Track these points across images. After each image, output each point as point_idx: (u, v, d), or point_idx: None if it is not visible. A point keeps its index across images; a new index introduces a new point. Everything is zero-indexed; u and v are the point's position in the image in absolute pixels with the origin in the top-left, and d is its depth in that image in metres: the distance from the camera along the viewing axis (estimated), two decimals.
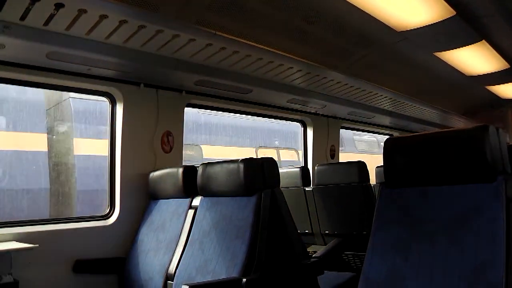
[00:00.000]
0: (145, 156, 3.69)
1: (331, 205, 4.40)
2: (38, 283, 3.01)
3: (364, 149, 10.47)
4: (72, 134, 5.80)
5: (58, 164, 5.43)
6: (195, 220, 3.10)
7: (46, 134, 5.51)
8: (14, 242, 2.90)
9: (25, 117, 5.34)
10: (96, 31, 2.77)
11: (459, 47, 4.18)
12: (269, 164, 2.93)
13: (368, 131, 7.15)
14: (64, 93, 5.00)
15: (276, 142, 8.95)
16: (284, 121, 5.77)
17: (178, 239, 3.16)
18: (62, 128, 5.75)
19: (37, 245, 2.85)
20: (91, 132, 5.85)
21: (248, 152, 8.20)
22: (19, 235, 2.98)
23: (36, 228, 3.12)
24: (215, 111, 5.32)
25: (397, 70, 4.88)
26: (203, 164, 3.14)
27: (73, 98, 5.56)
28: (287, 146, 9.00)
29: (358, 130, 6.79)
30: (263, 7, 3.17)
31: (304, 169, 4.73)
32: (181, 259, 2.99)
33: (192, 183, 3.26)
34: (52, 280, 3.10)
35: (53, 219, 3.32)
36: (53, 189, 5.35)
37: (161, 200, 3.52)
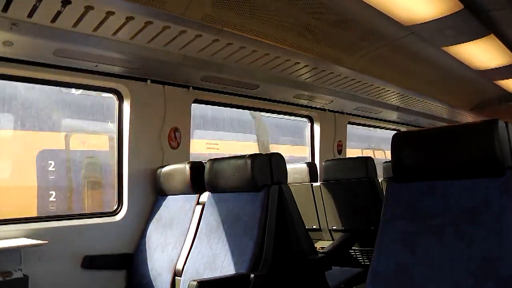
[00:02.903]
0: (152, 152, 3.70)
1: (339, 200, 4.40)
2: (48, 279, 3.04)
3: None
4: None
5: None
6: (202, 216, 3.10)
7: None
8: (24, 239, 2.93)
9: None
10: (103, 27, 2.78)
11: (467, 41, 4.14)
12: (277, 160, 2.93)
13: (376, 126, 7.12)
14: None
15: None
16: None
17: (186, 235, 3.17)
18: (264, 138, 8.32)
19: (46, 241, 2.87)
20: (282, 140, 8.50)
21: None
22: (29, 232, 3.01)
23: (46, 225, 3.15)
24: None
25: (404, 65, 4.85)
26: (210, 160, 3.14)
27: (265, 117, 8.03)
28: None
29: (365, 125, 6.77)
30: (270, 2, 3.15)
31: (312, 164, 4.72)
32: (189, 255, 3.00)
33: (199, 179, 3.26)
34: (61, 275, 3.12)
35: (62, 216, 3.34)
36: None
37: (168, 196, 3.53)
